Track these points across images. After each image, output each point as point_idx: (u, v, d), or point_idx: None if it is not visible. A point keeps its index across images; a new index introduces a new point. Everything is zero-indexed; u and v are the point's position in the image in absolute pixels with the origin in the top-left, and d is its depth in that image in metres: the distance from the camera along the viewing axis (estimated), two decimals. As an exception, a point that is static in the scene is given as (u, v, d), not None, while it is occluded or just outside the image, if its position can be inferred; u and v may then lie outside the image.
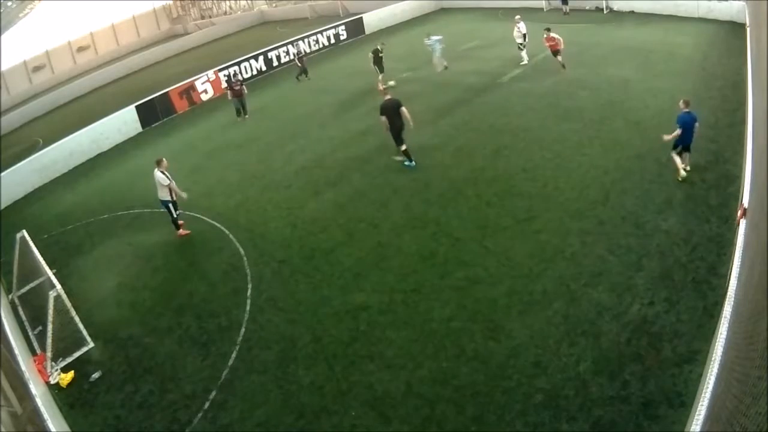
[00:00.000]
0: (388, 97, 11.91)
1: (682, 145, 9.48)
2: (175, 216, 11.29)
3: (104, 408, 7.46)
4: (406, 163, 12.12)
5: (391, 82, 18.11)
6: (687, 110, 9.27)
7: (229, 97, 19.07)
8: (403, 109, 11.55)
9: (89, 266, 11.34)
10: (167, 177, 10.99)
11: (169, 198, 11.06)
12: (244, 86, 19.09)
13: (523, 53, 18.01)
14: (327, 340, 7.66)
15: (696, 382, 5.62)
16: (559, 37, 16.16)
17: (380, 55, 18.83)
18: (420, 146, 13.17)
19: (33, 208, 15.60)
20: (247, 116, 18.81)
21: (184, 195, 11.24)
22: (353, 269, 9.08)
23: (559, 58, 16.50)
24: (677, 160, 9.64)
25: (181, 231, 11.43)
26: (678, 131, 9.30)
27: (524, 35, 17.77)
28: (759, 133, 7.45)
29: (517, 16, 18.24)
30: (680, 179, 9.53)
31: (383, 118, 11.61)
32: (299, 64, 22.56)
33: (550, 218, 9.24)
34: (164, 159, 11.24)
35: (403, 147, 11.94)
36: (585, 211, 9.23)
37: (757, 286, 3.87)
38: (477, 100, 15.46)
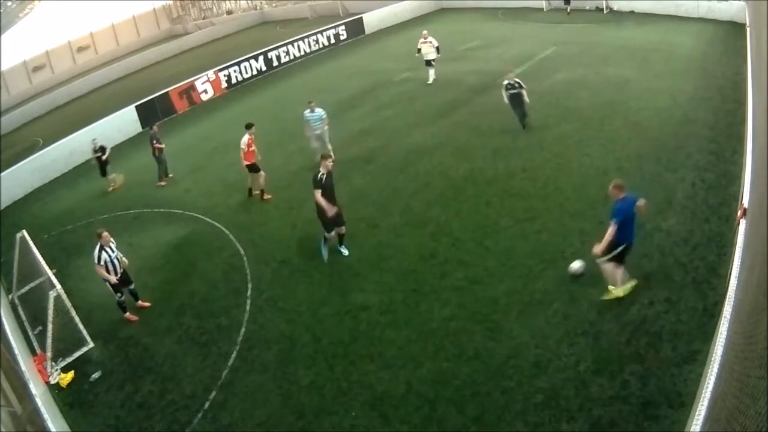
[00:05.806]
0: (328, 170, 8.81)
1: (627, 243, 6.59)
2: (119, 298, 8.99)
3: (104, 408, 7.46)
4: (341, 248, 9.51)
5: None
6: (623, 196, 6.51)
7: (155, 155, 14.43)
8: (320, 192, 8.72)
9: (89, 266, 11.26)
10: (96, 257, 8.65)
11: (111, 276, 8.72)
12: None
13: (431, 71, 17.49)
14: (327, 340, 7.66)
15: (696, 382, 5.61)
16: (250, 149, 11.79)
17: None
18: (420, 146, 13.19)
19: (33, 208, 15.60)
20: (170, 175, 14.72)
21: (113, 279, 8.71)
22: (353, 269, 9.08)
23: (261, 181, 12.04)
24: (618, 273, 6.75)
25: (128, 315, 9.07)
26: (614, 226, 6.36)
27: (437, 48, 17.24)
28: (759, 133, 7.44)
29: (425, 32, 17.74)
30: (611, 297, 6.94)
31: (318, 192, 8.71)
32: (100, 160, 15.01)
33: (550, 218, 9.24)
34: (105, 232, 8.79)
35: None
36: (585, 211, 9.22)
37: (757, 286, 3.87)
38: (477, 100, 15.45)
